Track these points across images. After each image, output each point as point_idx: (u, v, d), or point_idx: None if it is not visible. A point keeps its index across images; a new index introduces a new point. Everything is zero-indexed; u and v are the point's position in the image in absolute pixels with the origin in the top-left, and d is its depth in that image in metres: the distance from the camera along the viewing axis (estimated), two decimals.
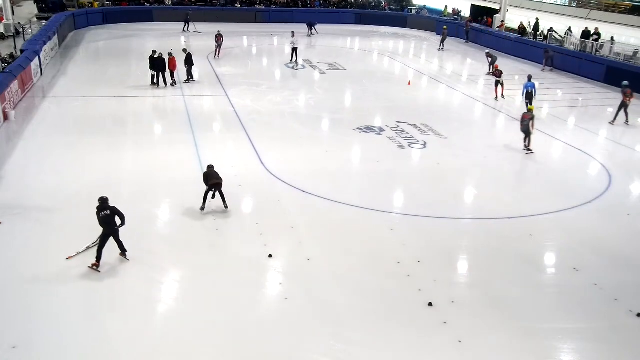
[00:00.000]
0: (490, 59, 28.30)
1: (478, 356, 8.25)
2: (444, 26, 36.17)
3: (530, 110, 17.06)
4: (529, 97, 20.64)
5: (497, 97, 23.18)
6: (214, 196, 12.45)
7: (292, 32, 31.32)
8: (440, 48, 34.81)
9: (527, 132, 16.65)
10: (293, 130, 18.47)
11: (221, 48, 29.34)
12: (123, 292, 9.40)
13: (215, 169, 12.61)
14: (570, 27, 33.40)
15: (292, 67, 28.17)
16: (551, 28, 34.58)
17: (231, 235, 11.47)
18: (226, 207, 12.39)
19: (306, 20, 39.44)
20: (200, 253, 10.73)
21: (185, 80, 23.49)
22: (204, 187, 12.53)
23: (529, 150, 16.77)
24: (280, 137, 17.66)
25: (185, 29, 37.76)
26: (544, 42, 33.62)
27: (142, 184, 13.76)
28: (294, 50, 28.91)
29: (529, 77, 21.79)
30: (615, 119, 20.48)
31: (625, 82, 20.47)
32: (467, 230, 12.29)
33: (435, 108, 22.14)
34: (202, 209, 12.33)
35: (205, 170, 12.70)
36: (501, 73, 23.31)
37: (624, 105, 20.18)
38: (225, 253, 10.81)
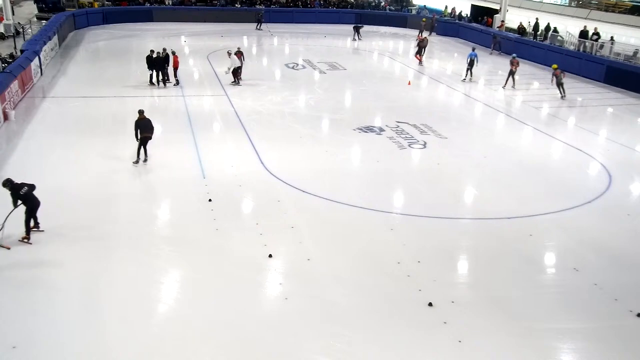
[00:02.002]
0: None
1: (478, 356, 8.25)
2: (423, 18, 38.68)
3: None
4: (471, 64, 26.40)
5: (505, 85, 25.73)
6: (139, 149, 14.35)
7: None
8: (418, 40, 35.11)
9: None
10: (293, 130, 18.47)
11: (241, 70, 24.07)
12: (123, 292, 9.39)
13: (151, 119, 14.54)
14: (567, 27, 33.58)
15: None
16: (555, 28, 34.54)
17: (231, 235, 11.47)
18: (145, 160, 14.49)
19: (352, 22, 39.80)
20: (200, 253, 10.72)
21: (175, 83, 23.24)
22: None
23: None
24: (280, 137, 17.66)
25: (258, 27, 38.51)
26: (544, 42, 33.65)
27: (142, 184, 13.76)
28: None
29: (473, 48, 27.58)
30: (505, 84, 25.51)
31: (514, 54, 26.30)
32: (467, 230, 12.29)
33: (435, 108, 22.15)
34: (136, 162, 14.10)
35: (137, 118, 14.19)
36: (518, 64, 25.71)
37: (511, 73, 25.34)
38: (225, 253, 10.80)
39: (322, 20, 44.02)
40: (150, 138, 14.54)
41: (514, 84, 25.49)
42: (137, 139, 14.32)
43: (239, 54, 24.05)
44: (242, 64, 23.98)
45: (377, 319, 8.99)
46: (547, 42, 33.88)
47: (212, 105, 20.93)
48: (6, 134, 16.83)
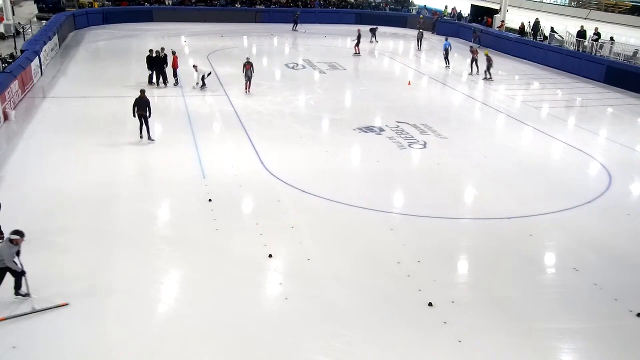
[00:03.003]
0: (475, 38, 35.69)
1: (478, 356, 8.25)
2: (420, 16, 40.82)
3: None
4: (447, 53, 29.49)
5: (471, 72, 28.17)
6: (141, 126, 15.81)
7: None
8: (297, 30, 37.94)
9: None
10: (293, 130, 18.47)
11: (251, 81, 22.82)
12: (123, 292, 9.39)
13: (146, 96, 16.14)
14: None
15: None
16: (552, 28, 34.58)
17: (231, 235, 11.46)
18: (150, 139, 16.22)
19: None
20: (200, 253, 10.72)
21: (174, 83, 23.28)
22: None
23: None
24: (280, 137, 17.66)
25: (294, 28, 38.98)
26: (544, 42, 33.65)
27: (142, 184, 13.76)
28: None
29: (446, 38, 30.89)
30: (471, 71, 28.15)
31: (472, 44, 31.38)
32: (467, 230, 12.29)
33: (435, 108, 22.15)
34: (141, 137, 16.10)
35: (138, 96, 15.95)
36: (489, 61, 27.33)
37: (474, 60, 28.07)
38: (225, 253, 10.79)
39: (322, 20, 44.03)
40: (144, 116, 16.11)
41: (477, 71, 28.11)
42: (134, 115, 16.18)
43: (248, 65, 22.30)
44: (251, 75, 22.48)
45: (377, 319, 8.98)
46: (546, 41, 33.89)
47: (212, 105, 20.92)
48: (6, 134, 16.83)
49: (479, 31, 37.38)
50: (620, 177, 15.42)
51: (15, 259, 8.71)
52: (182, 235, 11.33)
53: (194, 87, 22.85)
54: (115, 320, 8.66)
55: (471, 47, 29.93)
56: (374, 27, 37.36)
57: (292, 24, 40.52)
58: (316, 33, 39.68)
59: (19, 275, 8.81)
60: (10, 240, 8.69)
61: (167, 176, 14.11)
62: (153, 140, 16.34)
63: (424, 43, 35.76)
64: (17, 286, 8.87)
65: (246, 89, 22.58)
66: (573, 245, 11.68)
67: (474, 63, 28.14)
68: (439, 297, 9.53)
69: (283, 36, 38.14)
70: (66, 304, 8.84)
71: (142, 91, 16.23)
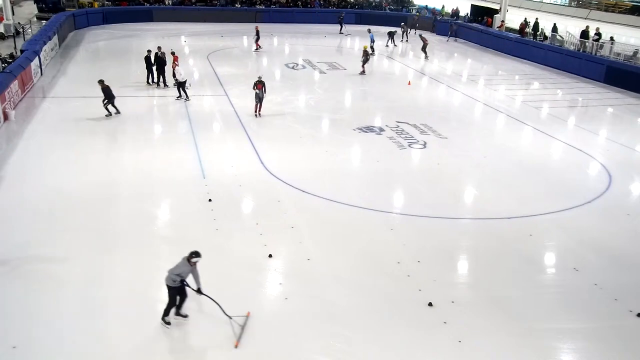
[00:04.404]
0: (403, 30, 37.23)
1: (478, 356, 8.25)
2: (417, 13, 42.79)
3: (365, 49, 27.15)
4: (372, 42, 31.19)
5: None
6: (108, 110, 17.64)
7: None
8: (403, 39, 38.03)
9: (365, 61, 27.07)
10: (293, 130, 18.46)
11: (262, 103, 19.55)
12: (123, 292, 9.39)
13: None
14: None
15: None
16: (554, 26, 34.55)
17: (231, 235, 11.46)
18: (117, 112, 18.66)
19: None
20: (200, 253, 10.69)
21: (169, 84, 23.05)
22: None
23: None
24: (280, 137, 17.65)
25: (342, 31, 38.73)
26: (544, 42, 33.65)
27: (142, 184, 13.75)
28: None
29: (369, 30, 32.93)
30: (426, 58, 31.70)
31: (420, 33, 36.17)
32: (467, 230, 12.29)
33: (435, 108, 22.15)
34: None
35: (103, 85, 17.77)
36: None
37: (424, 47, 31.86)
38: (225, 253, 10.80)
39: (322, 20, 44.01)
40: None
41: (426, 56, 31.81)
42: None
43: (260, 84, 19.06)
44: (262, 96, 19.22)
45: (377, 319, 8.98)
46: (546, 41, 33.88)
47: (212, 105, 20.92)
48: (6, 134, 16.83)
49: (455, 25, 39.95)
50: (620, 177, 15.42)
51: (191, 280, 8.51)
52: (182, 235, 11.33)
53: (187, 87, 21.73)
54: (115, 320, 8.66)
55: (421, 35, 33.66)
56: (393, 30, 36.37)
57: (339, 27, 39.84)
58: (316, 33, 39.68)
59: (183, 295, 8.59)
60: (188, 260, 8.47)
61: (167, 176, 14.11)
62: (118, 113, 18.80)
63: (397, 40, 36.70)
64: (167, 309, 8.58)
65: (256, 111, 19.32)
66: (573, 245, 11.68)
67: (390, 39, 33.89)
68: (439, 297, 9.53)
69: (283, 36, 38.12)
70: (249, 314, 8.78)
71: (101, 81, 18.33)
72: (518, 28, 36.34)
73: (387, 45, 35.54)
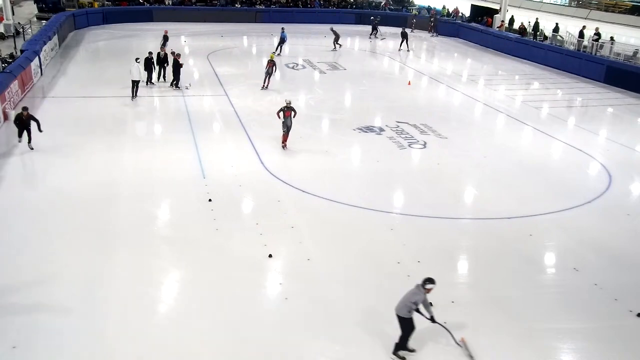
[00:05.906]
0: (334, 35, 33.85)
1: (478, 356, 8.24)
2: (414, 11, 43.62)
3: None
4: (282, 41, 30.48)
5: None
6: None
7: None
8: (371, 38, 37.82)
9: (269, 74, 22.91)
10: (293, 130, 18.41)
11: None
12: (123, 292, 9.39)
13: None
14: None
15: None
16: (556, 25, 34.51)
17: (231, 235, 11.47)
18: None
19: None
20: (200, 253, 10.72)
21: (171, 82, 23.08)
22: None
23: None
24: (280, 137, 17.62)
25: (374, 35, 38.11)
26: (545, 42, 33.64)
27: (142, 184, 13.75)
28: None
29: (282, 29, 31.28)
30: (407, 48, 33.45)
31: (373, 17, 38.46)
32: (467, 230, 12.29)
33: (435, 108, 22.15)
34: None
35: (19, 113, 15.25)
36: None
37: (405, 39, 33.14)
38: (225, 253, 10.80)
39: (322, 20, 43.95)
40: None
41: (408, 48, 33.56)
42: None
43: (289, 111, 16.24)
44: (291, 125, 16.36)
45: (377, 319, 8.97)
46: (546, 41, 33.88)
47: (212, 105, 20.92)
48: (6, 134, 16.82)
49: (437, 20, 41.77)
50: (620, 177, 15.42)
51: (422, 309, 7.97)
52: (182, 235, 11.33)
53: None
54: (115, 320, 8.67)
55: (403, 29, 34.31)
56: (406, 32, 34.36)
57: (371, 30, 37.93)
58: (316, 33, 39.63)
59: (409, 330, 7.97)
60: (423, 287, 7.94)
61: (167, 176, 14.11)
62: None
63: (378, 37, 37.19)
64: (403, 343, 7.96)
65: (284, 142, 16.54)
66: (573, 245, 11.68)
67: (405, 41, 33.36)
68: (439, 297, 9.50)
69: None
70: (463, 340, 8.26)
71: (25, 108, 15.55)
72: (518, 28, 36.33)
73: (399, 49, 34.02)
